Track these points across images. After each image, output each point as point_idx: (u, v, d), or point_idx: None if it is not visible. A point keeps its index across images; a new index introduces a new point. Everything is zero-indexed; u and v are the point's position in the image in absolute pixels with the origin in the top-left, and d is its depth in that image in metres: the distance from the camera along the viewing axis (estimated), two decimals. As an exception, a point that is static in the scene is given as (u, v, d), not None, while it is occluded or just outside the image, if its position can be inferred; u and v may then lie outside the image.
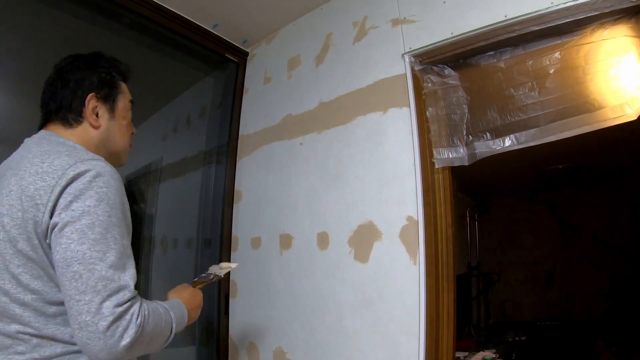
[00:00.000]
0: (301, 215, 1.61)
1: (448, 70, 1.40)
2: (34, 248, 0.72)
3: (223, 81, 2.05)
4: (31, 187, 0.72)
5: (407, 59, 1.41)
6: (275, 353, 1.58)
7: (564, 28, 1.17)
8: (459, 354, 2.14)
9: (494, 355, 2.19)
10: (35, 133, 0.88)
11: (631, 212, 3.13)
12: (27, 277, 0.72)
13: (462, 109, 1.36)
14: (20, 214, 0.72)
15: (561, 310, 3.43)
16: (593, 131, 1.12)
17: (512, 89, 1.26)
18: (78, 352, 0.73)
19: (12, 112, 1.49)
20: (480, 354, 2.20)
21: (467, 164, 1.31)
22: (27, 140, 0.86)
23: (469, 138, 1.32)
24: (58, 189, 0.71)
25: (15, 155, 0.85)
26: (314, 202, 1.58)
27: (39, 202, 0.71)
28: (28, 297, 0.72)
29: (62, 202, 0.70)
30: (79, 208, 0.70)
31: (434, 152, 1.35)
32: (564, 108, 1.17)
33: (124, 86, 0.97)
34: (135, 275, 0.74)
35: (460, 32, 1.30)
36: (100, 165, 0.75)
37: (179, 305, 0.91)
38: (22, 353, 0.71)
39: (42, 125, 0.89)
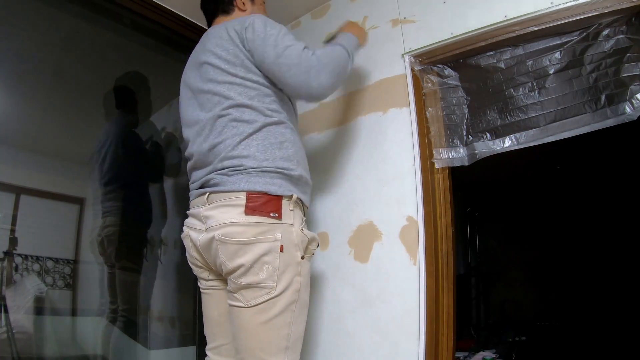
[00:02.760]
0: (301, 215, 1.61)
1: (448, 71, 1.40)
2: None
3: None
4: (232, 38, 1.09)
5: (407, 59, 1.41)
6: (275, 353, 1.58)
7: (564, 28, 1.17)
8: (459, 354, 2.14)
9: (494, 355, 2.18)
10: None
11: (631, 212, 3.13)
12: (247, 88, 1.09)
13: (462, 109, 1.36)
14: (230, 54, 1.08)
15: (561, 310, 3.43)
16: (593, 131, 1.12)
17: (512, 89, 1.26)
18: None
19: (12, 112, 1.49)
20: (480, 354, 2.20)
21: (467, 164, 1.31)
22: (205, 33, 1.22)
23: (468, 138, 1.32)
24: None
25: (202, 39, 1.20)
26: (314, 202, 1.58)
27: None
28: None
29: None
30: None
31: (434, 152, 1.35)
32: (563, 108, 1.17)
33: None
34: None
35: (460, 33, 1.30)
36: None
37: (350, 37, 1.23)
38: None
39: (211, 23, 1.28)
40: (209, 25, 1.30)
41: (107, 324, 1.70)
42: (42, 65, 1.57)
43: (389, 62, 1.46)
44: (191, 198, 1.14)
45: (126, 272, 1.74)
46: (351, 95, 1.55)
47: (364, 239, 1.41)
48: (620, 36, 1.11)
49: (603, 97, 1.12)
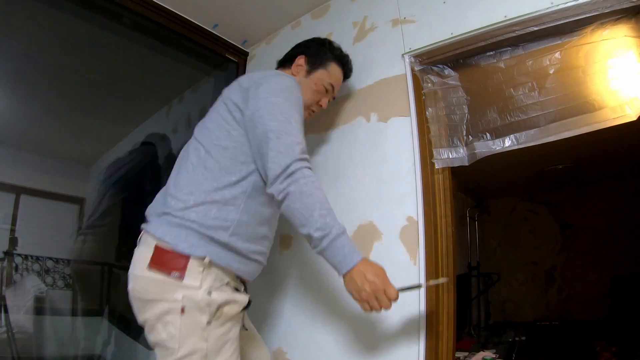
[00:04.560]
0: (301, 215, 1.61)
1: (448, 71, 1.40)
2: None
3: (223, 81, 2.05)
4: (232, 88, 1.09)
5: (407, 59, 1.41)
6: (275, 353, 1.58)
7: (564, 28, 1.16)
8: (459, 354, 2.14)
9: (494, 355, 2.18)
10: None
11: (631, 212, 3.13)
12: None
13: (462, 109, 1.36)
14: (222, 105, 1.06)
15: (561, 310, 3.43)
16: (593, 131, 1.12)
17: (512, 89, 1.26)
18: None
19: (12, 112, 1.49)
20: (480, 354, 2.20)
21: (467, 164, 1.31)
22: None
23: (468, 138, 1.32)
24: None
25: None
26: (314, 202, 1.58)
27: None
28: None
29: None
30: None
31: (434, 153, 1.35)
32: (563, 108, 1.17)
33: (332, 68, 1.29)
34: None
35: (460, 33, 1.30)
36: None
37: (352, 252, 0.95)
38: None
39: None
40: None
41: (107, 324, 1.70)
42: (42, 65, 1.57)
43: (389, 62, 1.46)
44: None
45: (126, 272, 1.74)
46: (351, 95, 1.55)
47: (364, 239, 1.41)
48: (621, 36, 1.11)
49: (603, 98, 1.12)
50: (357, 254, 0.94)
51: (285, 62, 1.27)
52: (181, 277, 0.89)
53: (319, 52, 1.28)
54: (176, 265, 0.90)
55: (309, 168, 0.95)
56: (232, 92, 1.07)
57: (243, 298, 1.00)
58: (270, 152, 0.93)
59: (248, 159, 1.00)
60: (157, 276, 0.90)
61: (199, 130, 1.10)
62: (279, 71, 1.13)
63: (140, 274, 0.92)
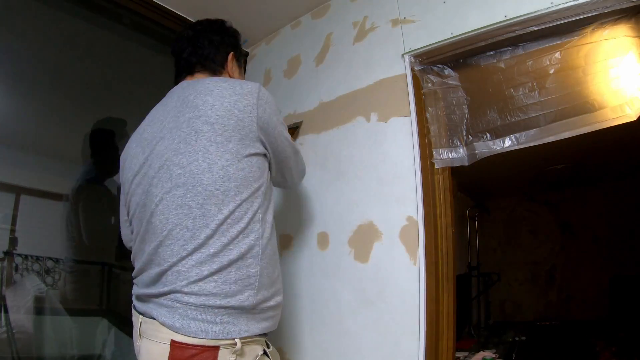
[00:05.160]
0: (301, 215, 1.61)
1: (448, 71, 1.40)
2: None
3: (223, 81, 2.05)
4: (239, 103, 0.89)
5: (407, 59, 1.41)
6: (275, 353, 1.58)
7: (564, 28, 1.17)
8: (459, 354, 2.14)
9: (494, 355, 2.18)
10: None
11: (631, 212, 3.13)
12: (233, 170, 0.87)
13: (462, 109, 1.36)
14: (232, 121, 0.87)
15: (561, 310, 3.43)
16: (593, 131, 1.12)
17: (512, 89, 1.26)
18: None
19: (12, 112, 1.49)
20: (480, 354, 2.20)
21: (466, 164, 1.31)
22: (177, 87, 1.01)
23: (468, 138, 1.32)
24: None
25: (179, 93, 0.98)
26: (314, 202, 1.58)
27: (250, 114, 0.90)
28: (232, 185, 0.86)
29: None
30: None
31: (434, 153, 1.35)
32: (564, 108, 1.17)
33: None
34: None
35: (460, 32, 1.30)
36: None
37: None
38: None
39: (184, 76, 1.06)
40: (178, 80, 1.07)
41: (107, 323, 1.70)
42: (42, 65, 1.57)
43: (389, 62, 1.46)
44: (135, 290, 0.95)
45: (127, 272, 1.74)
46: (351, 95, 1.55)
47: (364, 239, 1.41)
48: (621, 36, 1.11)
49: (603, 98, 1.12)
50: None
51: (215, 68, 1.07)
52: None
53: (237, 42, 1.15)
54: None
55: None
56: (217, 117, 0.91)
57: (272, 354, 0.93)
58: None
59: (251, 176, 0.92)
60: None
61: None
62: (249, 83, 0.95)
63: None
